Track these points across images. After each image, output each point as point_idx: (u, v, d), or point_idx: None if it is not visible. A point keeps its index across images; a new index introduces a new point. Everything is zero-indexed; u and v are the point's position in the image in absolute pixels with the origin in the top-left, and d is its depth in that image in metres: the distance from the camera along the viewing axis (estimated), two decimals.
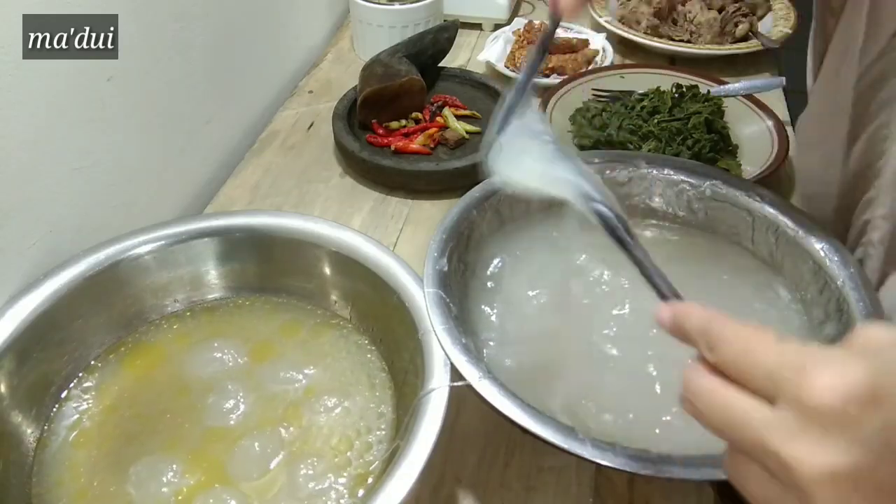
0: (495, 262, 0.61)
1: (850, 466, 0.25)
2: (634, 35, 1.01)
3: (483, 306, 0.58)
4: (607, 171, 0.65)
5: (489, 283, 0.59)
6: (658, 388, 0.52)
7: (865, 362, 0.26)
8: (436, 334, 0.49)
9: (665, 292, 0.39)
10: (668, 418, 0.50)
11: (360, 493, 0.48)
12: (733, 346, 0.30)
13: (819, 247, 0.57)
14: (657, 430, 0.49)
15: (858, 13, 0.51)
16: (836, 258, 0.55)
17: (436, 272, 0.53)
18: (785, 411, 0.27)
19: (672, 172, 0.64)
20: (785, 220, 0.59)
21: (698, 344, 0.31)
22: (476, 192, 0.61)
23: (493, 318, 0.57)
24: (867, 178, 0.56)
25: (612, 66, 0.95)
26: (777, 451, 0.26)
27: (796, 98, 0.92)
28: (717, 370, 0.30)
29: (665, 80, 0.88)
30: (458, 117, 0.85)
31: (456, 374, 0.47)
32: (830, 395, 0.26)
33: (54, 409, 0.53)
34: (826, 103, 0.58)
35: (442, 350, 0.48)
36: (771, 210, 0.60)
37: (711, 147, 0.78)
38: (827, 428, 0.26)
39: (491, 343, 0.55)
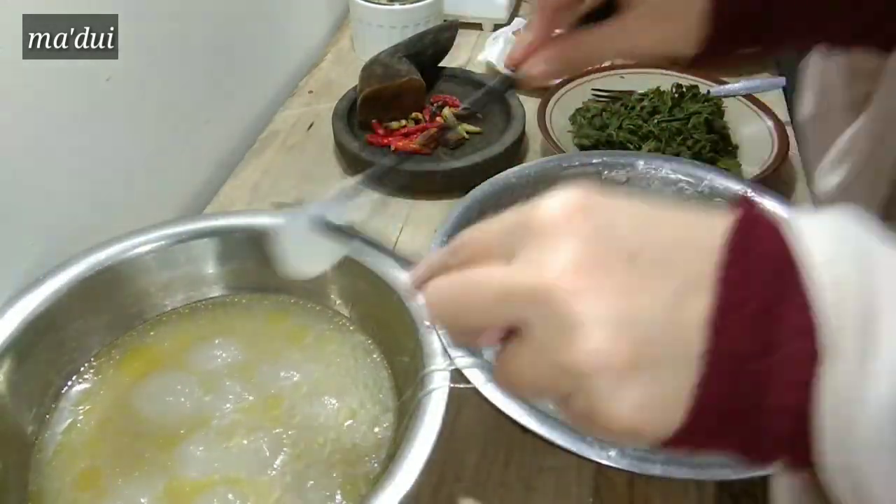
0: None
1: (579, 263, 0.26)
2: None
3: None
4: (606, 172, 0.65)
5: None
6: None
7: (574, 187, 0.28)
8: (439, 338, 0.49)
9: (407, 259, 0.37)
10: None
11: (361, 492, 0.48)
12: (472, 230, 0.31)
13: None
14: None
15: None
16: None
17: None
18: (522, 251, 0.28)
19: (671, 172, 0.64)
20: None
21: (449, 265, 0.31)
22: (476, 193, 0.61)
23: None
24: None
25: (612, 66, 0.95)
26: (521, 287, 0.27)
27: (796, 98, 0.92)
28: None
29: (665, 80, 0.88)
30: (458, 117, 0.85)
31: (456, 374, 0.47)
32: (550, 213, 0.27)
33: (54, 409, 0.53)
34: (864, 168, 0.54)
35: (445, 352, 0.48)
36: (770, 208, 0.60)
37: (711, 147, 0.78)
38: (555, 240, 0.27)
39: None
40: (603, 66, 0.95)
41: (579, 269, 0.26)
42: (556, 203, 0.28)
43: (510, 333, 0.28)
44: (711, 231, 0.26)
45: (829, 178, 0.54)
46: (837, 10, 0.40)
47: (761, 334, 0.24)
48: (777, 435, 0.25)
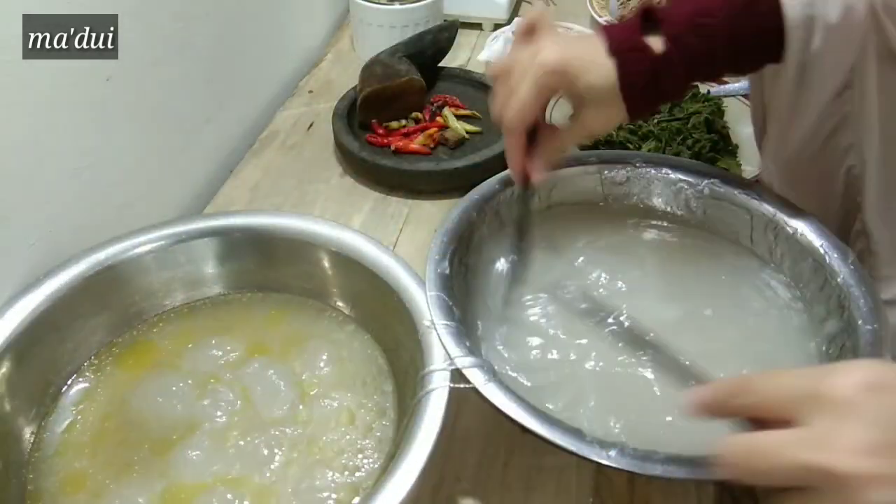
0: (496, 264, 0.61)
1: (872, 446, 0.29)
2: None
3: (484, 309, 0.58)
4: (606, 171, 0.65)
5: (490, 286, 0.59)
6: (657, 390, 0.52)
7: (868, 363, 0.32)
8: (439, 338, 0.49)
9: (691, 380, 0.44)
10: (671, 419, 0.50)
11: (360, 492, 0.48)
12: (758, 381, 0.34)
13: (819, 244, 0.57)
14: (661, 432, 0.49)
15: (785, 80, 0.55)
16: (835, 255, 0.55)
17: (437, 275, 0.53)
18: (813, 421, 0.31)
19: (670, 171, 0.64)
20: (784, 218, 0.59)
21: (727, 404, 0.35)
22: (475, 193, 0.61)
23: (496, 321, 0.57)
24: (852, 213, 0.59)
25: None
26: (810, 460, 0.30)
27: None
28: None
29: None
30: (458, 117, 0.85)
31: (456, 374, 0.47)
32: (842, 389, 0.30)
33: (53, 409, 0.53)
34: (787, 166, 0.61)
35: (445, 351, 0.48)
36: (770, 208, 0.60)
37: (711, 147, 0.78)
38: (847, 417, 0.29)
39: (496, 347, 0.55)
40: None
41: (873, 454, 0.28)
42: (854, 379, 0.30)
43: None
44: None
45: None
46: (715, 67, 0.53)
47: None
48: None
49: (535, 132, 0.56)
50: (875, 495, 0.28)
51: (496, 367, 0.49)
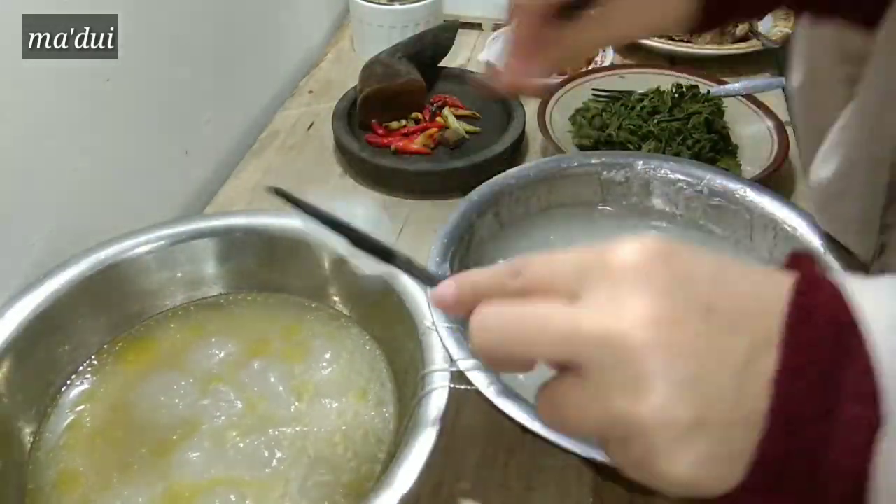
0: (495, 266, 0.61)
1: (655, 317, 0.25)
2: None
3: None
4: (605, 172, 0.65)
5: None
6: None
7: (654, 237, 0.28)
8: (441, 340, 0.49)
9: (431, 276, 0.36)
10: None
11: (361, 492, 0.48)
12: (537, 261, 0.29)
13: (818, 242, 0.57)
14: None
15: None
16: (835, 254, 0.55)
17: (437, 277, 0.53)
18: (592, 292, 0.27)
19: (669, 171, 0.64)
20: (784, 218, 0.59)
21: (492, 290, 0.30)
22: (475, 195, 0.61)
23: None
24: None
25: (612, 66, 0.95)
26: (591, 331, 0.26)
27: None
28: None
29: (665, 80, 0.87)
30: (458, 117, 0.85)
31: (456, 374, 0.47)
32: (626, 258, 0.27)
33: (53, 409, 0.53)
34: (861, 156, 0.50)
35: (446, 353, 0.48)
36: (769, 207, 0.60)
37: (711, 147, 0.78)
38: (630, 287, 0.26)
39: None
40: (603, 66, 0.95)
41: (655, 321, 0.25)
42: (635, 248, 0.27)
43: (560, 367, 0.28)
44: (779, 288, 0.26)
45: (824, 169, 0.52)
46: None
47: (822, 399, 0.25)
48: (834, 497, 0.25)
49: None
50: (654, 362, 0.25)
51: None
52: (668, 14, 0.41)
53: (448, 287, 0.32)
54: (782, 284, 0.26)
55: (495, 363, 0.30)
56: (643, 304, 0.26)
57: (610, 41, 0.50)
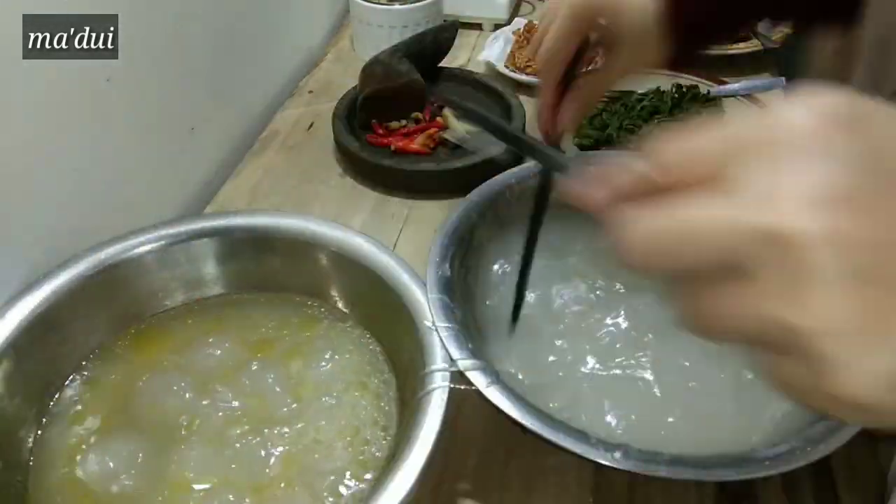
0: (495, 266, 0.61)
1: (838, 192, 0.21)
2: None
3: (486, 310, 0.57)
4: None
5: (489, 289, 0.59)
6: (657, 392, 0.52)
7: (834, 91, 0.22)
8: (441, 340, 0.49)
9: (563, 164, 0.34)
10: (672, 420, 0.50)
11: (360, 492, 0.48)
12: (681, 145, 0.24)
13: None
14: (662, 432, 0.49)
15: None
16: None
17: (439, 277, 0.53)
18: (750, 173, 0.22)
19: None
20: None
21: (632, 186, 0.25)
22: (475, 195, 0.61)
23: (496, 324, 0.57)
24: None
25: None
26: (748, 224, 0.21)
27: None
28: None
29: (665, 80, 0.88)
30: (459, 117, 0.85)
31: (457, 374, 0.47)
32: (800, 119, 0.21)
33: (53, 409, 0.53)
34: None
35: (446, 353, 0.48)
36: None
37: None
38: (805, 159, 0.21)
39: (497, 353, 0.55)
40: None
41: (828, 204, 0.20)
42: (804, 110, 0.22)
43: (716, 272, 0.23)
44: None
45: None
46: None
47: None
48: None
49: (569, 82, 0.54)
50: (830, 257, 0.20)
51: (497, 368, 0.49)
52: (652, 56, 0.50)
53: (585, 185, 0.27)
54: None
55: (648, 276, 0.25)
56: (813, 182, 0.21)
57: (616, 82, 0.58)
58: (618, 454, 0.42)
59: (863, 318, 0.21)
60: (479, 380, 0.46)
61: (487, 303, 0.58)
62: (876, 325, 0.21)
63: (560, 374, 0.53)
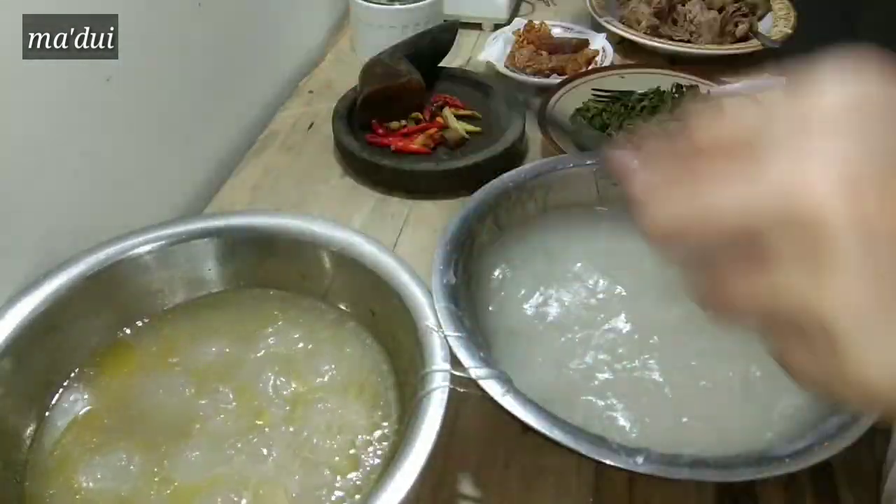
0: (496, 272, 0.61)
1: (858, 173, 0.21)
2: (634, 35, 1.01)
3: (489, 317, 0.57)
4: (601, 172, 0.65)
5: (491, 294, 0.59)
6: (668, 393, 0.52)
7: (867, 72, 0.22)
8: (451, 349, 0.49)
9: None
10: (686, 420, 0.50)
11: (360, 492, 0.48)
12: (714, 123, 0.24)
13: None
14: (678, 434, 0.49)
15: None
16: None
17: (444, 286, 0.53)
18: (776, 150, 0.22)
19: None
20: None
21: (669, 155, 0.25)
22: (473, 200, 0.61)
23: (498, 330, 0.57)
24: None
25: (612, 66, 0.95)
26: (770, 200, 0.21)
27: None
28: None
29: (665, 80, 0.88)
30: (458, 117, 0.85)
31: (457, 375, 0.47)
32: (831, 98, 0.22)
33: (52, 409, 0.53)
34: None
35: (446, 353, 0.48)
36: None
37: None
38: (828, 134, 0.21)
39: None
40: (603, 66, 0.95)
41: (859, 189, 0.20)
42: (836, 88, 0.22)
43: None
44: None
45: None
46: None
47: None
48: None
49: None
50: (851, 239, 0.20)
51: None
52: None
53: (623, 156, 0.28)
54: None
55: (670, 253, 0.26)
56: (840, 166, 0.21)
57: None
58: (640, 459, 0.42)
59: (882, 305, 0.21)
60: (494, 389, 0.46)
61: (490, 308, 0.58)
62: (894, 312, 0.21)
63: (568, 379, 0.53)
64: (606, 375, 0.53)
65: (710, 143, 0.24)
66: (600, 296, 0.59)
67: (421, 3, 0.99)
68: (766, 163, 0.22)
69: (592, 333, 0.56)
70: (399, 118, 0.85)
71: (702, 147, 0.24)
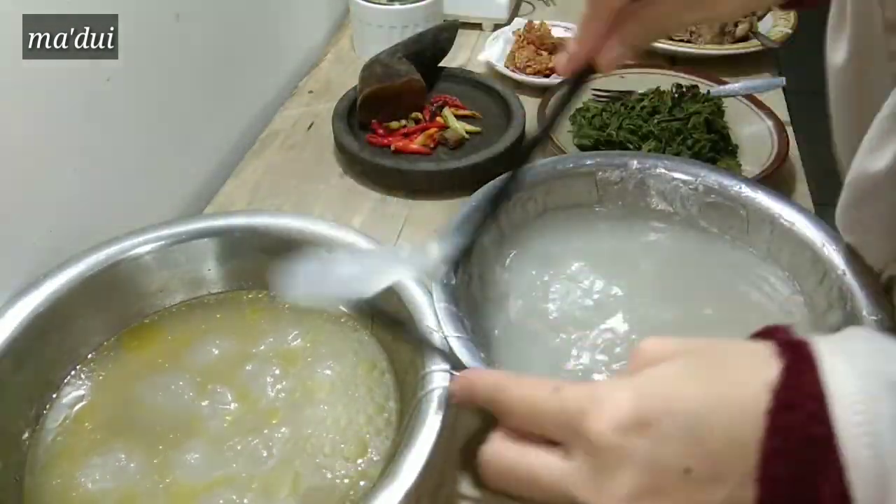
0: (496, 272, 0.61)
1: (638, 492, 0.29)
2: None
3: (489, 317, 0.57)
4: (600, 173, 0.65)
5: (491, 295, 0.59)
6: None
7: (630, 390, 0.30)
8: (452, 350, 0.49)
9: (455, 363, 0.45)
10: None
11: (360, 492, 0.48)
12: (520, 410, 0.34)
13: (816, 236, 0.57)
14: None
15: None
16: (833, 247, 0.55)
17: (445, 287, 0.53)
18: (578, 459, 0.31)
19: (664, 170, 0.64)
20: (780, 212, 0.59)
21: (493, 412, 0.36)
22: (473, 201, 0.61)
23: (497, 331, 0.57)
24: None
25: None
26: (578, 498, 0.31)
27: (796, 98, 0.92)
28: (515, 435, 0.35)
29: (665, 80, 0.88)
30: (458, 117, 0.85)
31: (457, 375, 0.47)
32: (606, 435, 0.30)
33: (52, 409, 0.53)
34: None
35: (447, 353, 0.48)
36: (765, 202, 0.60)
37: (711, 147, 0.78)
38: (613, 464, 0.29)
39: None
40: None
41: (637, 497, 0.29)
42: (611, 421, 0.30)
43: None
44: (755, 417, 0.28)
45: (876, 159, 0.44)
46: None
47: None
48: None
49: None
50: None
51: None
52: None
53: (454, 387, 0.41)
54: (758, 408, 0.28)
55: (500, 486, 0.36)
56: (624, 484, 0.29)
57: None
58: None
59: None
60: None
61: (490, 308, 0.58)
62: None
63: (566, 379, 0.53)
64: (604, 376, 0.53)
65: (525, 419, 0.34)
66: (598, 296, 0.59)
67: (421, 2, 0.99)
68: (572, 461, 0.32)
69: (590, 334, 0.56)
70: (399, 118, 0.85)
71: (519, 420, 0.35)
